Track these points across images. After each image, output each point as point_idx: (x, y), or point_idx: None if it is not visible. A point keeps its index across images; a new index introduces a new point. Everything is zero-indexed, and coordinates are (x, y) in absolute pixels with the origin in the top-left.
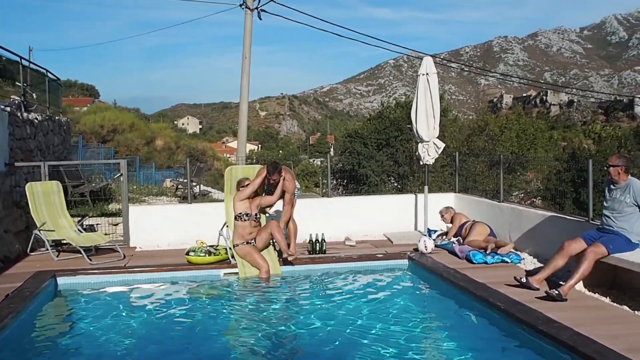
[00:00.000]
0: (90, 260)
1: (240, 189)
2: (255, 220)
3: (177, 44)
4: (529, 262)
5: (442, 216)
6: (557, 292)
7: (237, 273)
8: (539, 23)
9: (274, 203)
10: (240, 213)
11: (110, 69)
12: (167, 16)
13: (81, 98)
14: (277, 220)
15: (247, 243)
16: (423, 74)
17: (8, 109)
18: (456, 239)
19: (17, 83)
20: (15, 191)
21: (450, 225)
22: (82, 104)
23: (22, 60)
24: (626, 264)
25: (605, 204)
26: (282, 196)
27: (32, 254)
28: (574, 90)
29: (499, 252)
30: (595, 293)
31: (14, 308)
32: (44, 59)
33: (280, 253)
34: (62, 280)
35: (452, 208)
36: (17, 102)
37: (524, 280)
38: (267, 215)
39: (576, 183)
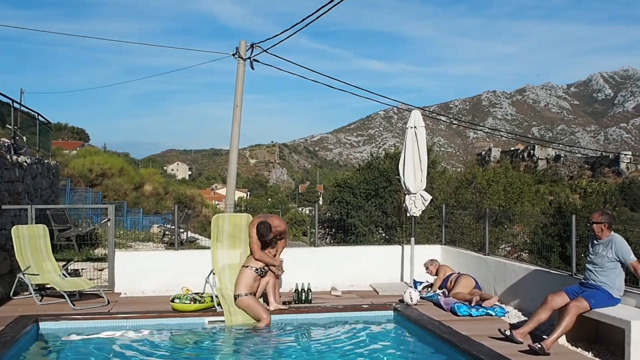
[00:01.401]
0: (74, 305)
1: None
2: (261, 276)
3: (169, 91)
4: (513, 316)
5: (427, 269)
6: (540, 345)
7: (223, 321)
8: (527, 79)
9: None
10: (257, 268)
11: (101, 113)
12: (161, 63)
13: (71, 141)
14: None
15: (250, 294)
16: (411, 127)
17: None
18: (441, 290)
19: (8, 125)
20: (0, 234)
21: (435, 277)
22: (71, 147)
23: (14, 102)
24: (608, 319)
25: (588, 258)
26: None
27: (15, 297)
28: (561, 145)
29: (483, 304)
30: (577, 347)
31: None
32: (35, 101)
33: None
34: (44, 325)
35: (436, 260)
36: (7, 144)
37: (508, 333)
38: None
39: (562, 237)
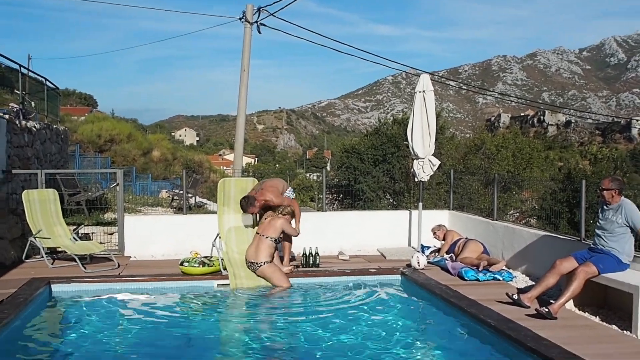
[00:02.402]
0: (85, 268)
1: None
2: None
3: (176, 56)
4: (521, 280)
5: (434, 234)
6: (547, 310)
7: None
8: (538, 43)
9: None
10: (276, 238)
11: (109, 79)
12: (167, 28)
13: (79, 107)
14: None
15: (272, 262)
16: (420, 92)
17: (6, 116)
18: (449, 255)
19: (16, 91)
20: (11, 198)
21: (442, 242)
22: (80, 113)
23: (21, 68)
24: (616, 284)
25: (597, 223)
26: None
27: (27, 261)
28: (572, 110)
29: (491, 269)
30: (585, 312)
31: (7, 314)
32: (43, 67)
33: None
34: (56, 288)
35: (444, 226)
36: (15, 110)
37: (515, 297)
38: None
39: (571, 203)
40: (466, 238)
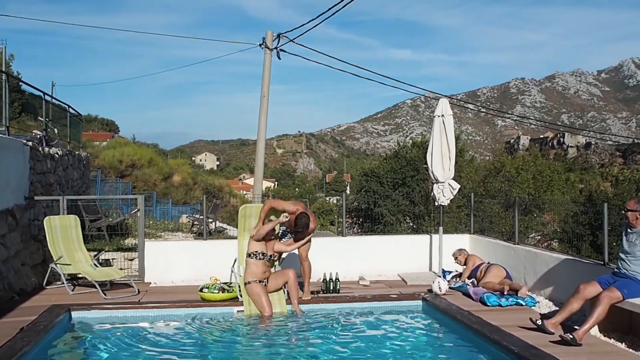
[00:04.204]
0: (105, 295)
1: (265, 222)
2: (269, 262)
3: (197, 82)
4: (544, 306)
5: (455, 258)
6: (571, 336)
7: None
8: (557, 66)
9: (290, 251)
10: (256, 251)
11: (131, 105)
12: (188, 55)
13: (101, 133)
14: (294, 268)
15: (260, 282)
16: (439, 116)
17: (30, 143)
18: (470, 280)
19: (40, 118)
20: (33, 225)
21: (464, 266)
22: (101, 139)
23: (45, 95)
24: None
25: (621, 247)
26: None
27: (48, 287)
28: (592, 132)
29: (519, 294)
30: (610, 338)
31: (28, 341)
32: (66, 94)
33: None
34: (76, 315)
35: (465, 250)
36: (39, 136)
37: (539, 322)
38: (282, 258)
39: (593, 226)
40: (488, 263)
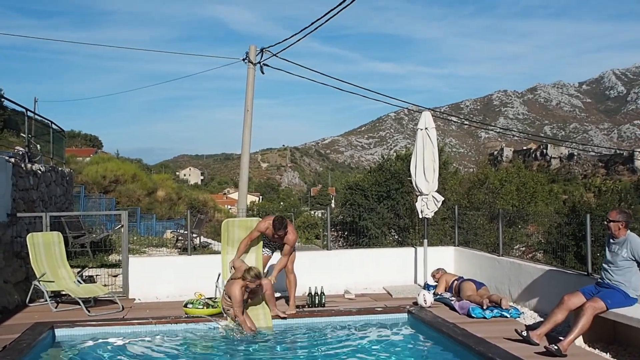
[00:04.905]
0: (89, 311)
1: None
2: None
3: (181, 97)
4: (529, 317)
5: (433, 277)
6: (556, 347)
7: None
8: (538, 78)
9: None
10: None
11: (114, 120)
12: (172, 69)
13: (84, 148)
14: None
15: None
16: (422, 129)
17: (12, 160)
18: (449, 295)
19: (22, 134)
20: (16, 242)
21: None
22: (85, 154)
23: (27, 111)
24: (625, 319)
25: (604, 258)
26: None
27: (31, 304)
28: (574, 143)
29: (501, 305)
30: (595, 348)
31: None
32: (49, 110)
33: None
34: (60, 332)
35: (442, 269)
36: (21, 153)
37: (525, 334)
38: (266, 271)
39: (577, 237)
40: (459, 278)
